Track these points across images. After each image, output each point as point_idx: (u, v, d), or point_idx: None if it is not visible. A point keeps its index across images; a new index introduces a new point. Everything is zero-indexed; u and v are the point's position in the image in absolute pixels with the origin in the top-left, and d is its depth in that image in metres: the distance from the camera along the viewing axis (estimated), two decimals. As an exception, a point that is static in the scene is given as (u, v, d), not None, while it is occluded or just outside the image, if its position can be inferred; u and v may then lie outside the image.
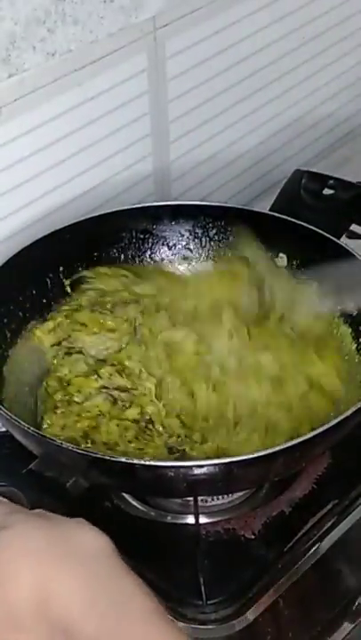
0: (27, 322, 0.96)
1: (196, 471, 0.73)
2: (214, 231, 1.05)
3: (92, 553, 0.60)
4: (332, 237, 0.98)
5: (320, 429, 0.76)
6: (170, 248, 1.06)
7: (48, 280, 0.99)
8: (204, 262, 1.06)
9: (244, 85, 1.22)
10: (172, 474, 0.73)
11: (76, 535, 0.61)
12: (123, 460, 0.74)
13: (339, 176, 1.08)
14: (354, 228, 1.07)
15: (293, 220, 1.01)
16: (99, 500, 0.89)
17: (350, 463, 0.93)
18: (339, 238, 1.00)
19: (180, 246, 1.06)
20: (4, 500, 0.67)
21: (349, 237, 1.06)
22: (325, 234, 0.98)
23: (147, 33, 1.05)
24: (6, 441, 0.88)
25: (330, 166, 1.30)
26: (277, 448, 0.74)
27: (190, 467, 0.73)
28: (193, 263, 1.06)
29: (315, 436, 0.76)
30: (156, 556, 0.86)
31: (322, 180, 1.07)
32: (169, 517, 0.89)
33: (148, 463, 0.74)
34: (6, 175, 0.98)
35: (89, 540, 0.61)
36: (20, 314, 0.96)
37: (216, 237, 1.05)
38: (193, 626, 0.81)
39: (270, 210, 1.06)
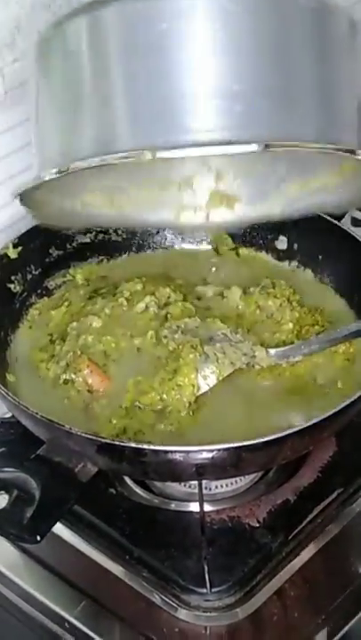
0: (28, 307, 0.96)
1: (206, 455, 0.73)
2: None
3: None
4: (332, 220, 0.97)
5: (328, 413, 0.76)
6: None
7: (49, 264, 0.99)
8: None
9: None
10: (181, 458, 0.73)
11: None
12: (132, 444, 0.74)
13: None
14: (356, 214, 1.08)
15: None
16: (103, 487, 0.89)
17: (356, 452, 0.93)
18: (339, 220, 0.99)
19: None
20: None
21: (354, 225, 1.06)
22: (326, 216, 0.97)
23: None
24: (10, 427, 0.88)
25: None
26: (287, 432, 0.74)
27: (199, 451, 0.73)
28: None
29: (323, 420, 0.76)
30: (161, 544, 0.85)
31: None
32: (173, 505, 0.89)
33: (157, 448, 0.74)
34: (6, 163, 0.97)
35: None
36: (21, 298, 0.96)
37: None
38: (197, 613, 0.81)
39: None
